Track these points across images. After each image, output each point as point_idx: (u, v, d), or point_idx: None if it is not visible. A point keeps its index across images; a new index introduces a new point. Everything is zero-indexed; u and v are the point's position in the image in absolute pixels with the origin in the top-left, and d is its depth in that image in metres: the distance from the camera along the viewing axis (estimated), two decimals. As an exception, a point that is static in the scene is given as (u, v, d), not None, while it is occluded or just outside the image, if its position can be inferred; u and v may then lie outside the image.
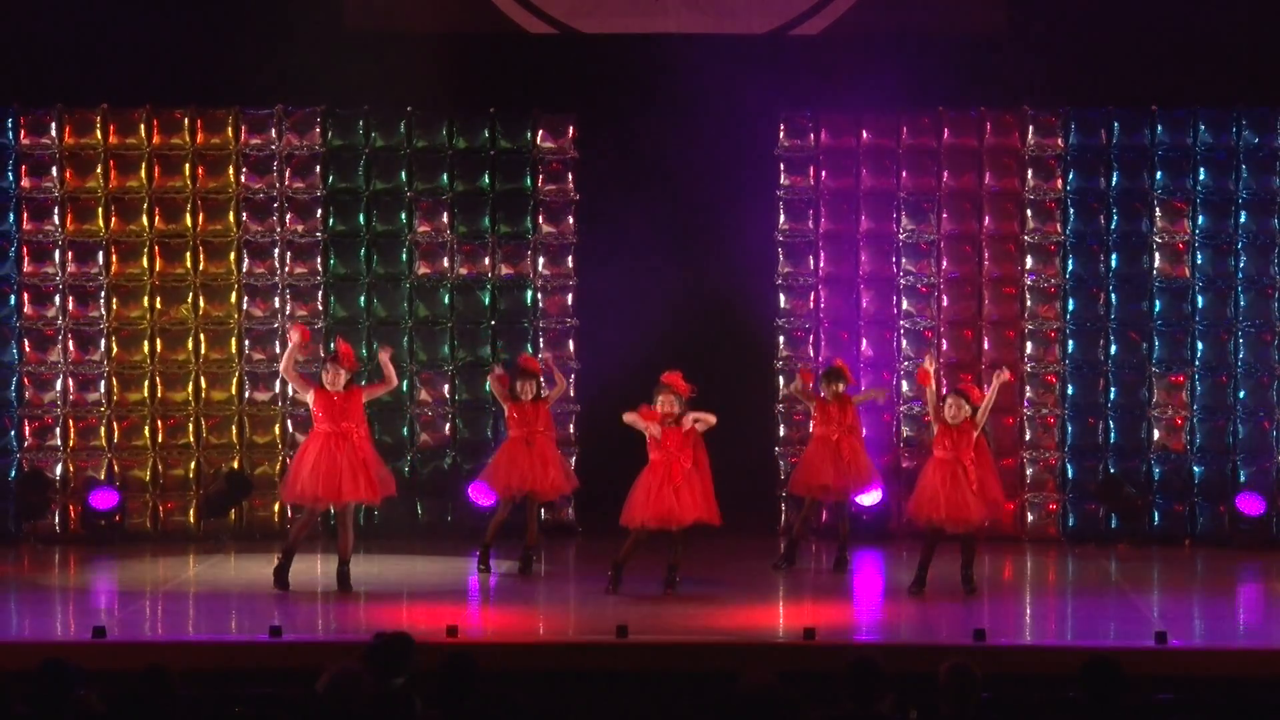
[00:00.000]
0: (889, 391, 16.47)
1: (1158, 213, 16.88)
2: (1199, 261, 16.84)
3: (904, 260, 17.04)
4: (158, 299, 16.91)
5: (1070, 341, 16.92)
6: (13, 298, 16.81)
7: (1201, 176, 16.85)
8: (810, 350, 17.00)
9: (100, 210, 16.84)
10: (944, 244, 17.04)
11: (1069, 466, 16.90)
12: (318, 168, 17.01)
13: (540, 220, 17.11)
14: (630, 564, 13.88)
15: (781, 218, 17.11)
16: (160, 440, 16.91)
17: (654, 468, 13.78)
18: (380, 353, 14.30)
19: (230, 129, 16.96)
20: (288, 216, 16.97)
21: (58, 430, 16.83)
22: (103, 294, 16.84)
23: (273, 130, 16.99)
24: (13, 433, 16.80)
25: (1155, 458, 16.85)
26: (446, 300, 17.08)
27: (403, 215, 17.06)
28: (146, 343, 16.88)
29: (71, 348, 16.84)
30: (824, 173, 17.13)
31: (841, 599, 14.43)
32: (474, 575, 14.84)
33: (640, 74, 16.84)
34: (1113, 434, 16.89)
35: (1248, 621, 13.96)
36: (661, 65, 16.79)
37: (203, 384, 16.91)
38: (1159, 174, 16.88)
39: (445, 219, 17.06)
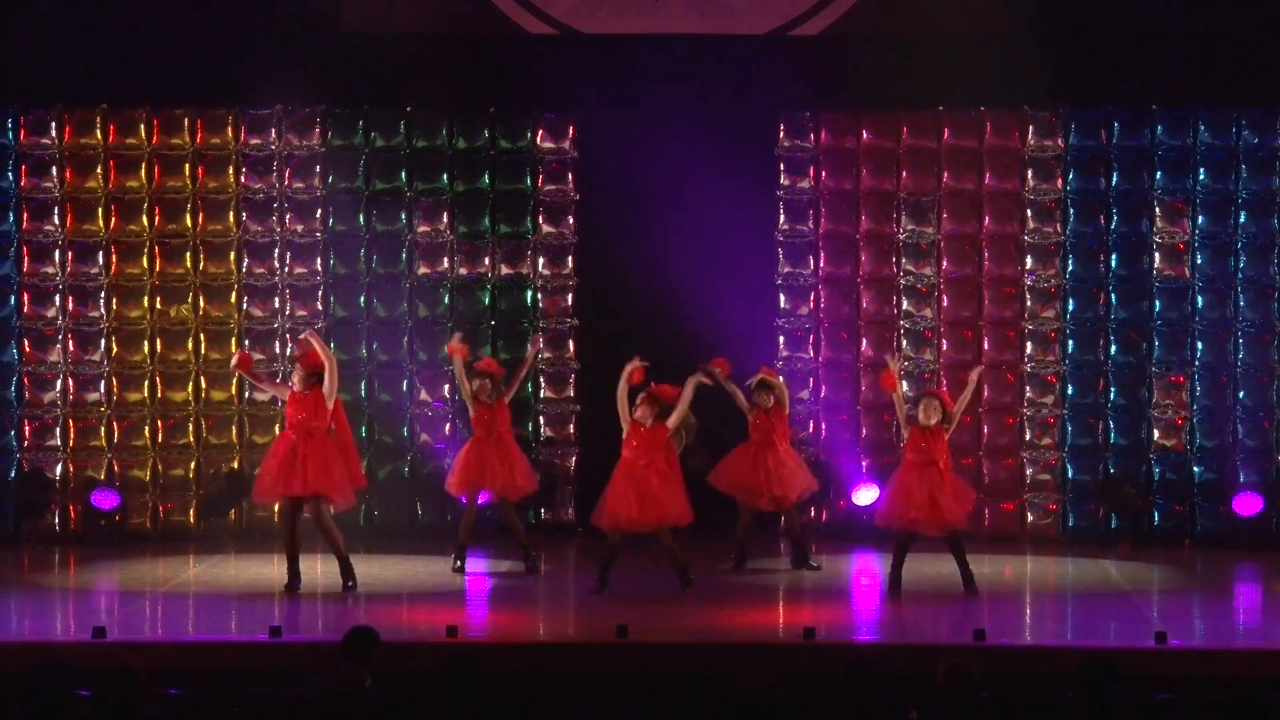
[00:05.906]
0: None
1: (1158, 213, 16.88)
2: (1199, 262, 16.84)
3: (904, 260, 17.04)
4: (158, 299, 16.92)
5: (1070, 341, 16.92)
6: (13, 298, 16.82)
7: (1201, 177, 16.85)
8: (810, 350, 17.00)
9: (100, 210, 16.85)
10: (944, 244, 17.04)
11: (1069, 466, 16.89)
12: (318, 168, 17.01)
13: (540, 220, 17.11)
14: (622, 564, 13.87)
15: (781, 218, 17.11)
16: (160, 440, 16.91)
17: (626, 465, 13.76)
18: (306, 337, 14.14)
19: (230, 129, 16.97)
20: (288, 216, 16.97)
21: (58, 430, 16.83)
22: (103, 294, 16.85)
23: (273, 130, 16.99)
24: (13, 433, 16.81)
25: (1155, 458, 16.85)
26: (446, 300, 17.08)
27: (403, 215, 17.06)
28: (146, 343, 16.88)
29: (71, 348, 16.84)
30: (824, 173, 17.13)
31: (841, 599, 14.42)
32: (469, 575, 14.82)
33: (640, 74, 16.85)
34: (1113, 434, 16.89)
35: (1247, 621, 13.95)
36: (661, 65, 16.80)
37: (203, 384, 16.92)
38: (1159, 174, 16.88)
39: (445, 219, 17.06)
